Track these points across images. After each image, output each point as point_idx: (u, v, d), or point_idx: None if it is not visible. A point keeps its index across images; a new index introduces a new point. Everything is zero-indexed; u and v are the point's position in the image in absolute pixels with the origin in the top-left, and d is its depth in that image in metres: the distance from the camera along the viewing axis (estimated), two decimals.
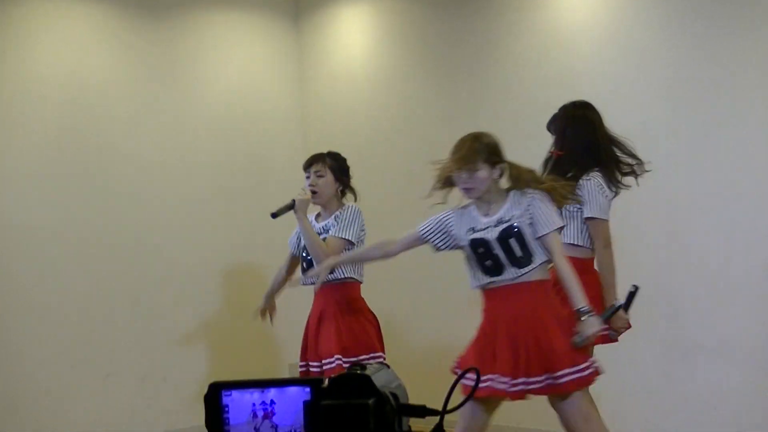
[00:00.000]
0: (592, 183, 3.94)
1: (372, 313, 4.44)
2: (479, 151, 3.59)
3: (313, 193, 4.40)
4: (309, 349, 4.42)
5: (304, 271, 4.42)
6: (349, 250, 4.31)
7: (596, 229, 3.94)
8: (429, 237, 3.69)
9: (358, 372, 1.47)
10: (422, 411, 1.49)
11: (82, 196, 5.83)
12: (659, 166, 4.58)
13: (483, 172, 3.57)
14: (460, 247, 3.64)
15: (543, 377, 3.47)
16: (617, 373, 4.70)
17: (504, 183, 3.63)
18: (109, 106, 5.97)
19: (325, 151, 4.52)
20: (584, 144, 4.03)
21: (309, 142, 6.70)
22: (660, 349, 4.91)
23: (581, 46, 5.20)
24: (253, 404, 1.51)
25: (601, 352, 3.84)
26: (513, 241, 3.53)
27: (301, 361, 4.46)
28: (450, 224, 3.66)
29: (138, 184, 6.04)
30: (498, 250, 3.54)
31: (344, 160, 4.53)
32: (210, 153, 6.34)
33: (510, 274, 3.53)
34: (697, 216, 4.77)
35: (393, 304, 5.79)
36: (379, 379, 1.48)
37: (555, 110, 5.25)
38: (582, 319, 3.46)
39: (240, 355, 6.37)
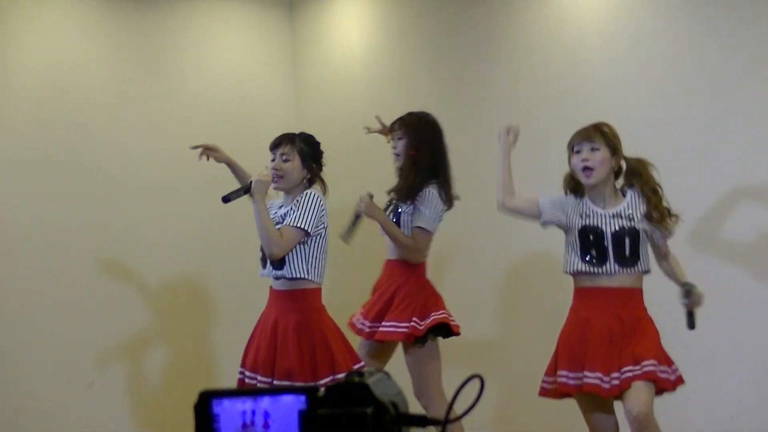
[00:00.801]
0: (432, 193, 4.37)
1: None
2: (603, 132, 3.84)
3: (277, 177, 4.20)
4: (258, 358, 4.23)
5: (263, 262, 4.25)
6: (304, 241, 4.10)
7: (420, 237, 4.37)
8: (544, 206, 3.93)
9: (356, 380, 1.47)
10: (423, 421, 1.48)
11: (63, 191, 5.80)
12: (671, 161, 4.58)
13: (603, 153, 3.80)
14: (566, 228, 3.89)
15: (629, 367, 3.68)
16: None
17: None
18: (92, 96, 5.95)
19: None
20: (435, 152, 4.42)
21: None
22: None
23: (591, 36, 5.19)
24: (245, 413, 1.51)
25: None
26: (627, 240, 3.77)
27: (242, 367, 4.34)
28: (567, 204, 3.91)
29: (122, 177, 6.01)
30: (609, 243, 3.78)
31: (318, 144, 4.35)
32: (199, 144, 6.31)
33: (610, 268, 3.77)
34: (713, 212, 4.77)
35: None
36: (378, 388, 1.48)
37: (564, 104, 5.30)
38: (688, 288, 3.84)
39: (232, 361, 6.35)
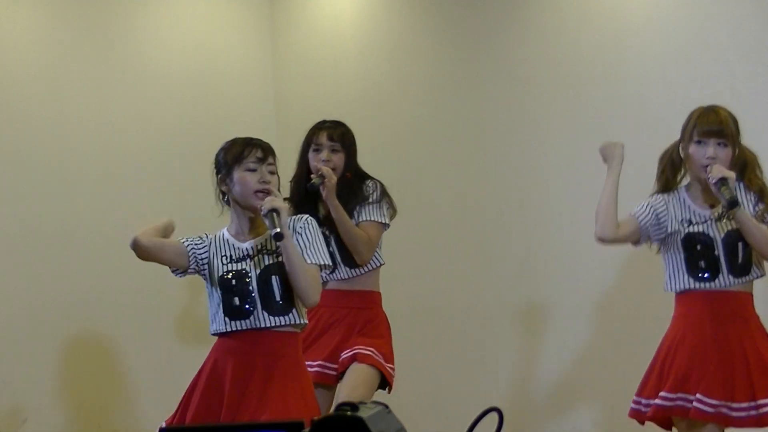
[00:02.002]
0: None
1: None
2: (734, 123, 3.92)
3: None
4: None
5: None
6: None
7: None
8: (646, 227, 3.97)
9: (349, 413, 1.45)
10: None
11: (3, 182, 5.83)
12: None
13: (729, 151, 3.88)
14: (661, 240, 3.96)
15: (746, 405, 3.80)
16: None
17: None
18: (34, 73, 5.98)
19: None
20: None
21: (282, 114, 6.74)
22: None
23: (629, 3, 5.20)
24: None
25: None
26: (741, 245, 3.85)
27: None
28: (660, 209, 3.97)
29: (68, 167, 6.03)
30: (720, 251, 3.85)
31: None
32: (161, 128, 6.37)
33: (724, 281, 3.85)
34: None
35: None
36: (375, 423, 1.48)
37: (595, 85, 5.36)
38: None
39: None
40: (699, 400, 3.81)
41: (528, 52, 5.59)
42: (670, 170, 4.03)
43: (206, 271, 3.97)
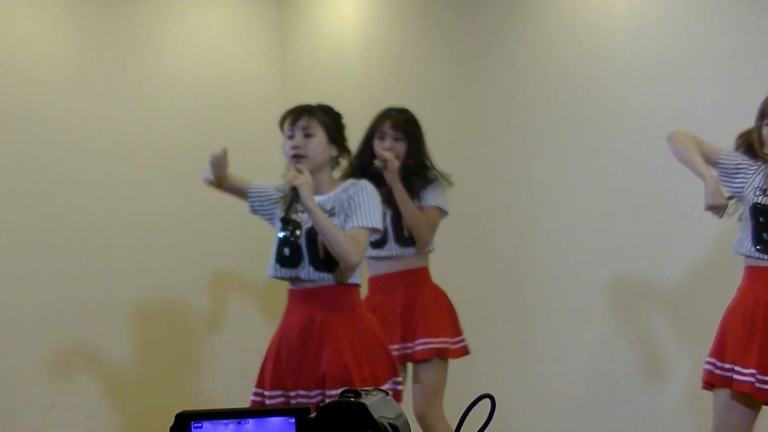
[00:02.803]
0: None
1: None
2: None
3: (298, 156, 3.94)
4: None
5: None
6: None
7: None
8: (723, 162, 3.86)
9: (352, 400, 1.46)
10: None
11: (18, 189, 5.80)
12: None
13: None
14: (741, 198, 3.81)
15: None
16: None
17: None
18: (56, 84, 5.95)
19: None
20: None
21: None
22: None
23: (617, 11, 5.21)
24: None
25: None
26: None
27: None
28: (742, 166, 3.86)
29: (90, 173, 6.02)
30: None
31: (340, 116, 4.14)
32: (175, 135, 6.33)
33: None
34: None
35: None
36: (376, 409, 1.48)
37: (586, 89, 5.28)
38: None
39: (212, 380, 6.37)
40: (753, 375, 3.73)
41: (519, 64, 5.55)
42: (744, 145, 3.92)
43: (270, 216, 4.10)
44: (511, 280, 5.66)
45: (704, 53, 4.92)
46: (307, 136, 3.90)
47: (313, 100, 5.78)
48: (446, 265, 5.61)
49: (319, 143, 3.93)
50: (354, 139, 4.76)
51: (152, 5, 6.34)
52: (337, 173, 4.17)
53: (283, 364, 3.97)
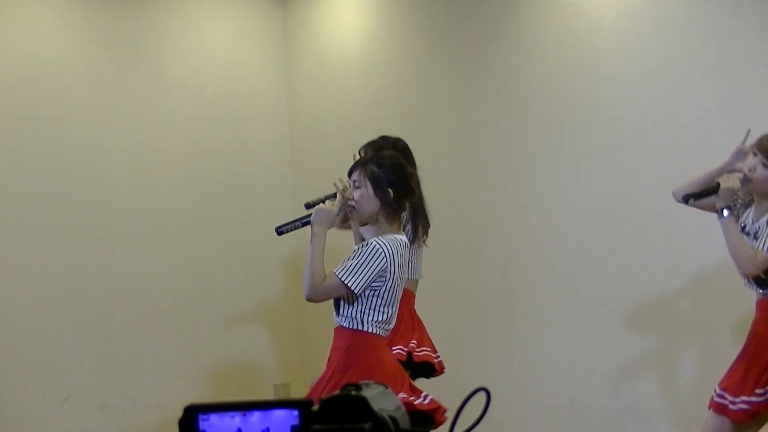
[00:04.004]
0: None
1: None
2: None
3: (351, 207, 3.86)
4: None
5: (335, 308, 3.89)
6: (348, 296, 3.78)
7: None
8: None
9: (353, 393, 1.47)
10: None
11: (40, 192, 5.81)
12: (693, 159, 4.59)
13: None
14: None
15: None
16: None
17: None
18: (68, 90, 5.95)
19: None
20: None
21: (295, 128, 6.73)
22: None
23: (606, 22, 5.19)
24: (238, 429, 1.51)
25: None
26: None
27: None
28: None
29: (101, 176, 6.02)
30: None
31: (398, 166, 3.89)
32: (185, 141, 6.34)
33: (761, 295, 3.82)
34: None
35: None
36: (376, 402, 1.48)
37: (575, 97, 5.29)
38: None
39: (219, 374, 6.37)
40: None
41: (511, 70, 5.54)
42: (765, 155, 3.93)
43: None
44: (502, 281, 5.64)
45: (690, 61, 4.91)
46: (357, 188, 3.86)
47: (316, 102, 5.72)
48: (440, 266, 5.63)
49: (362, 195, 3.85)
50: (361, 138, 4.78)
51: (163, 15, 6.35)
52: None
53: None
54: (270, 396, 6.38)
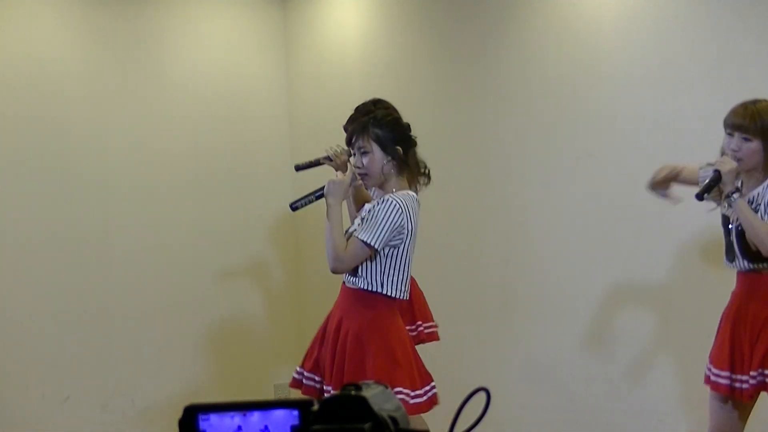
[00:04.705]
0: None
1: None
2: (758, 119, 3.70)
3: (361, 175, 3.86)
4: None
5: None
6: (369, 258, 3.76)
7: None
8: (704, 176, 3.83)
9: (353, 393, 1.47)
10: None
11: (40, 192, 5.81)
12: (694, 160, 4.57)
13: (755, 145, 3.71)
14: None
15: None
16: None
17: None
18: (67, 90, 5.96)
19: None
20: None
21: (295, 128, 6.73)
22: None
23: (606, 22, 5.20)
24: (238, 428, 1.51)
25: None
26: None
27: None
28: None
29: (104, 176, 6.02)
30: (734, 237, 3.74)
31: (394, 121, 3.93)
32: (185, 141, 6.35)
33: (740, 265, 3.75)
34: None
35: None
36: (376, 402, 1.48)
37: (575, 97, 5.30)
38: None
39: (219, 374, 6.37)
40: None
41: (511, 70, 5.55)
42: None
43: None
44: (502, 280, 5.65)
45: (690, 61, 4.91)
46: (364, 154, 3.85)
47: (316, 102, 5.74)
48: (440, 265, 5.64)
49: (371, 159, 3.84)
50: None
51: (163, 15, 6.36)
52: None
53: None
54: (270, 396, 6.38)
